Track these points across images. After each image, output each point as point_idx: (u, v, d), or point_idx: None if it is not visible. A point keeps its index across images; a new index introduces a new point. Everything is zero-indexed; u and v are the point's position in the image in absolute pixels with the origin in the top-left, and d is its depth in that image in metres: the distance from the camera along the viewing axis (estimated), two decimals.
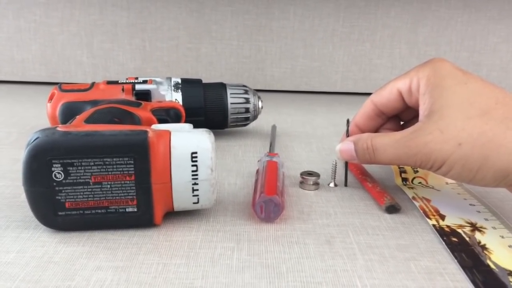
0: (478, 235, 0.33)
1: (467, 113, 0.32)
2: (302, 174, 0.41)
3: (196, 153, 0.32)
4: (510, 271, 0.29)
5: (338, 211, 0.37)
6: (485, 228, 0.34)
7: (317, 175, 0.41)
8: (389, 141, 0.34)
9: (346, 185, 0.41)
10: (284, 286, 0.27)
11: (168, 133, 0.32)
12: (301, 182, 0.41)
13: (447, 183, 0.42)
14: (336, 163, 0.41)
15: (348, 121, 0.41)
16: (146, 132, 0.31)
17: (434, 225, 0.34)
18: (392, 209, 0.37)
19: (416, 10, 0.77)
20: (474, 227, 0.34)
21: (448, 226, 0.34)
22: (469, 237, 0.33)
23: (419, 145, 0.33)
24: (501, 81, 0.81)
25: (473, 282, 0.28)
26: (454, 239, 0.32)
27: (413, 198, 0.39)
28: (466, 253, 0.31)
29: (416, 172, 0.42)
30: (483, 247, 0.31)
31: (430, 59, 0.36)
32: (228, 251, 0.31)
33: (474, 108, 0.32)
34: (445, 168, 0.32)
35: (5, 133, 0.53)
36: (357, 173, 0.43)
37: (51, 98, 0.48)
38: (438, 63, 0.34)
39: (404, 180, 0.42)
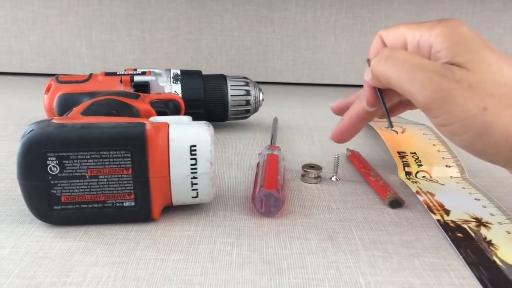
0: (483, 231, 0.32)
1: (497, 78, 0.28)
2: (303, 167, 0.40)
3: (195, 146, 0.31)
4: None
5: (340, 205, 0.36)
6: (491, 223, 0.33)
7: (319, 168, 0.40)
8: (410, 60, 0.30)
9: (392, 126, 0.35)
10: (285, 282, 0.27)
11: (167, 125, 0.32)
12: (303, 175, 0.40)
13: (451, 177, 0.41)
14: (338, 156, 0.40)
15: (368, 60, 0.36)
16: (143, 124, 0.30)
17: (438, 220, 0.33)
18: (396, 203, 0.36)
19: (420, 1, 0.76)
20: (480, 222, 0.33)
21: (453, 221, 0.33)
22: (475, 233, 0.32)
23: (442, 86, 0.28)
24: None
25: (479, 279, 0.27)
26: (459, 234, 0.32)
27: (417, 192, 0.38)
28: (472, 249, 0.30)
29: (420, 165, 0.42)
30: (489, 243, 0.31)
31: (444, 18, 0.31)
32: (228, 247, 0.30)
33: (503, 75, 0.28)
34: (457, 129, 0.28)
35: (2, 125, 0.52)
36: (360, 167, 0.42)
37: (48, 90, 0.47)
38: (455, 23, 0.30)
39: (408, 174, 0.41)
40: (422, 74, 0.29)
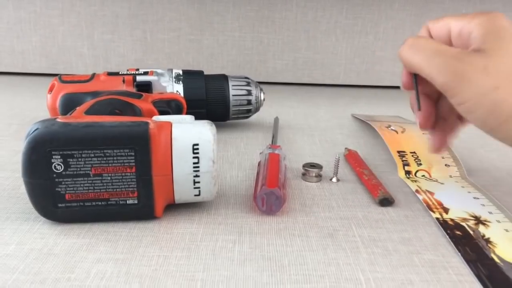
0: (482, 229, 0.32)
1: None
2: (304, 166, 0.41)
3: (197, 145, 0.31)
4: None
5: (340, 204, 0.36)
6: (489, 222, 0.33)
7: (319, 167, 0.41)
8: (430, 46, 0.33)
9: (419, 108, 0.36)
10: (286, 279, 0.27)
11: (170, 124, 0.32)
12: (304, 174, 0.41)
13: (451, 176, 0.41)
14: (338, 158, 0.41)
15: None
16: (147, 123, 0.31)
17: (437, 219, 0.34)
18: (386, 201, 0.36)
19: (420, 1, 0.76)
20: (478, 221, 0.34)
21: (451, 220, 0.34)
22: (473, 231, 0.32)
23: (457, 68, 0.30)
24: None
25: (477, 276, 0.28)
26: (458, 232, 0.32)
27: (416, 191, 0.38)
28: (470, 246, 0.30)
29: (419, 165, 0.42)
30: (487, 241, 0.31)
31: (489, 11, 0.33)
32: (229, 244, 0.30)
33: None
34: (470, 106, 0.30)
35: (5, 124, 0.53)
36: (355, 166, 0.43)
37: (51, 89, 0.47)
38: (496, 15, 0.32)
39: (407, 173, 0.42)
40: (439, 59, 0.32)
